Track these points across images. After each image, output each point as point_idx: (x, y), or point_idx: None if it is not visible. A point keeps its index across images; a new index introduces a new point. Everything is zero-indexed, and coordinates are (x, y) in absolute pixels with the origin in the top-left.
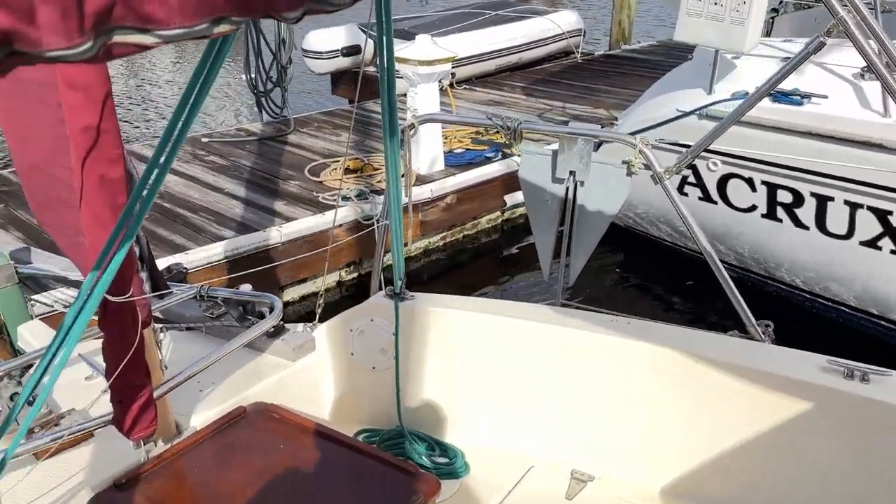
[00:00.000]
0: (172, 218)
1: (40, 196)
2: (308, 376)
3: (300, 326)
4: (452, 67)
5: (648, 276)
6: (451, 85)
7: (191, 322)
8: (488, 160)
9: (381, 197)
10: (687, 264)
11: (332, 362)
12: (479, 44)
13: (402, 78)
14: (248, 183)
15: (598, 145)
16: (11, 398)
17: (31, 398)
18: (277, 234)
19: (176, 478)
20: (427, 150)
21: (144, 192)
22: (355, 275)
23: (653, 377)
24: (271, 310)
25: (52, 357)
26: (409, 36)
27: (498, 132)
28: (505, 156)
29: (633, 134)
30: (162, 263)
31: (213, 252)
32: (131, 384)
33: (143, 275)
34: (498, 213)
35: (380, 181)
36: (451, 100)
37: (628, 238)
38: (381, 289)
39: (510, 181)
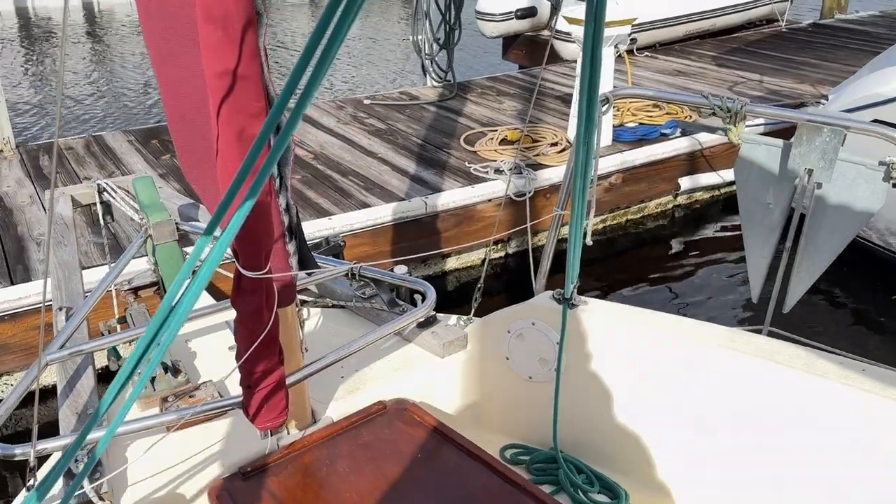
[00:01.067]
0: (322, 180)
1: (188, 148)
2: (457, 376)
3: (453, 319)
4: (634, 32)
5: (893, 314)
6: (629, 52)
7: (340, 299)
8: (664, 137)
9: (538, 172)
10: None
11: (484, 364)
12: (667, 6)
13: (572, 41)
14: (401, 149)
15: (843, 138)
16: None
17: (168, 365)
18: (422, 205)
19: (302, 473)
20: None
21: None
22: (503, 254)
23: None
24: (424, 298)
25: (158, 332)
26: None
27: (712, 113)
28: (684, 133)
29: (846, 113)
30: (310, 227)
31: (356, 219)
32: (262, 370)
33: (291, 247)
34: (669, 197)
35: (537, 154)
36: (628, 67)
37: (869, 260)
38: (547, 288)
39: (686, 162)
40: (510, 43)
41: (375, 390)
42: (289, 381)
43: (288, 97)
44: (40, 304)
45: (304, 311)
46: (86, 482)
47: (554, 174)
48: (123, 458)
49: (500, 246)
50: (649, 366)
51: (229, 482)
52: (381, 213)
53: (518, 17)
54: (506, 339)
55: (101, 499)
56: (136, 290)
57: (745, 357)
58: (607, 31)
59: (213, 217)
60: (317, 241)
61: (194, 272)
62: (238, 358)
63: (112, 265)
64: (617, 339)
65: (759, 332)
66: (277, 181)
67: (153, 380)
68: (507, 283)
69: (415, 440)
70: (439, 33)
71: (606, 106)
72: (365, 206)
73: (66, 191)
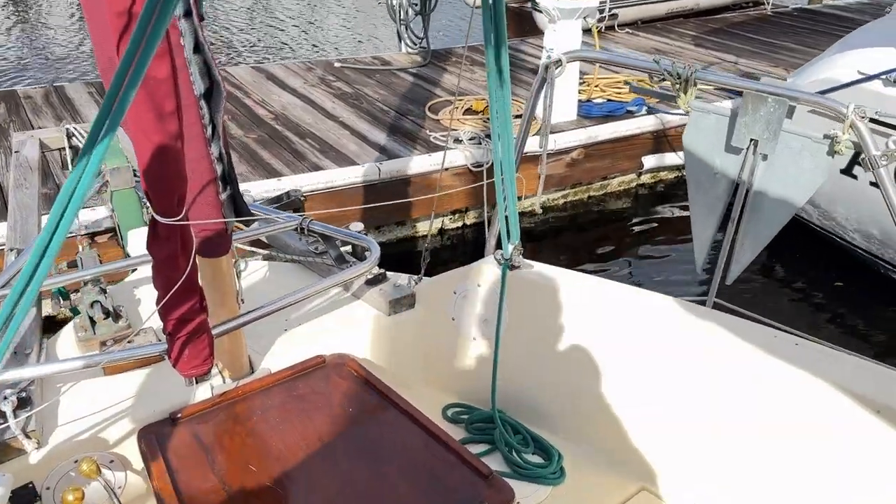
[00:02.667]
0: (278, 140)
1: None
2: (402, 334)
3: (403, 278)
4: (614, 7)
5: (831, 291)
6: (610, 27)
7: (293, 254)
8: (630, 114)
9: None
10: (889, 285)
11: (430, 324)
12: None
13: (540, 12)
14: (364, 114)
15: (790, 111)
16: (92, 305)
17: (109, 310)
18: (376, 170)
19: (232, 422)
20: (559, 95)
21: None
22: (459, 224)
23: (819, 416)
24: (367, 254)
25: (30, 279)
26: None
27: (662, 79)
28: (650, 111)
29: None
30: (258, 188)
31: (307, 182)
32: (181, 317)
33: (224, 196)
34: (633, 175)
35: None
36: (596, 41)
37: (809, 238)
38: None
39: (652, 141)
40: None
41: (317, 345)
42: (221, 329)
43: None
44: None
45: (242, 262)
46: (11, 418)
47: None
48: (56, 400)
49: (457, 216)
50: (590, 330)
51: (158, 426)
52: (333, 177)
53: None
54: (452, 300)
55: (27, 436)
56: (92, 236)
57: (680, 323)
58: (575, 2)
59: (83, 148)
60: (277, 194)
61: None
62: (157, 304)
63: None
64: (559, 302)
65: (703, 303)
66: (209, 129)
67: (93, 323)
68: (464, 254)
69: (351, 396)
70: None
71: (560, 69)
72: (318, 168)
73: (34, 134)
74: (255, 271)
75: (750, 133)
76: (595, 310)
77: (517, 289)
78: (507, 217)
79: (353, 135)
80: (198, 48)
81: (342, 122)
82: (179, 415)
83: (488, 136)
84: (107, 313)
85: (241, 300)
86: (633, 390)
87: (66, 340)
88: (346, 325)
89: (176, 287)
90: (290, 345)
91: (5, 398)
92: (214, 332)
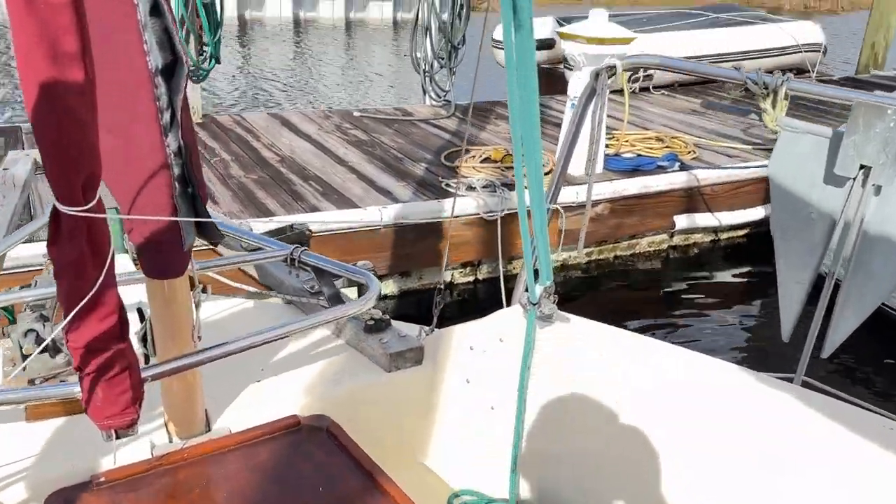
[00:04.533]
0: (279, 182)
1: None
2: (404, 397)
3: (410, 328)
4: (650, 69)
5: None
6: (644, 89)
7: (283, 291)
8: (661, 170)
9: (512, 193)
10: None
11: (438, 385)
12: (691, 46)
13: (571, 69)
14: (376, 160)
15: None
16: (26, 335)
17: (49, 344)
18: (378, 214)
19: (167, 493)
20: (584, 145)
21: None
22: (471, 278)
23: None
24: (363, 291)
25: None
26: None
27: (745, 89)
28: (683, 167)
29: None
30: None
31: (296, 223)
32: (93, 346)
33: (180, 202)
34: (664, 235)
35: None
36: (627, 101)
37: None
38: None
39: (684, 199)
40: None
41: (294, 401)
42: (163, 368)
43: None
44: None
45: (199, 289)
46: None
47: None
48: None
49: (468, 269)
50: (643, 404)
51: (71, 492)
52: (328, 219)
53: (537, 48)
54: (469, 358)
55: None
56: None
57: (768, 404)
58: (601, 49)
59: None
60: (281, 226)
61: None
62: (65, 329)
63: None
64: (603, 366)
65: (789, 380)
66: (167, 115)
67: (25, 357)
68: (476, 311)
69: (327, 472)
70: (441, 51)
71: (613, 77)
72: (315, 210)
73: (31, 153)
74: (233, 309)
75: (860, 157)
76: (650, 378)
77: (548, 345)
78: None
79: (360, 179)
80: (157, 10)
81: (351, 167)
82: (102, 478)
83: (504, 184)
84: (45, 348)
85: (198, 336)
86: (697, 479)
87: None
88: (333, 380)
89: (82, 304)
90: (259, 399)
91: None
92: (155, 371)
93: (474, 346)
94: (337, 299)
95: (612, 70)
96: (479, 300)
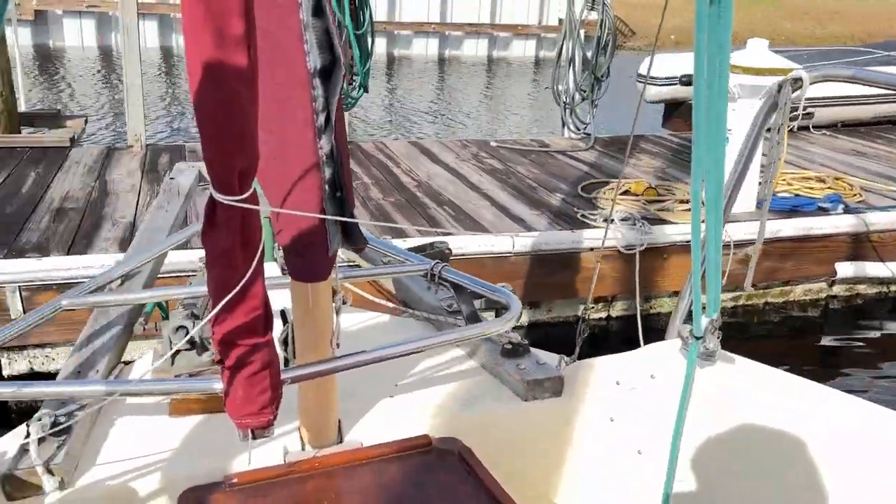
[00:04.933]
0: (414, 205)
1: None
2: (539, 428)
3: (551, 357)
4: (811, 106)
5: None
6: (803, 128)
7: (419, 308)
8: (822, 212)
9: (657, 227)
10: None
11: (578, 420)
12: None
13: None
14: (510, 188)
15: None
16: (176, 331)
17: (197, 340)
18: (509, 242)
19: (296, 501)
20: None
21: None
22: (603, 314)
23: None
24: (502, 313)
25: None
26: None
27: None
28: (848, 210)
29: None
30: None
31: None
32: (237, 341)
33: (328, 204)
34: (822, 283)
35: (661, 209)
36: (785, 142)
37: None
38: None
39: (849, 244)
40: (672, 110)
41: (425, 420)
42: (302, 372)
43: None
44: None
45: (340, 297)
46: (34, 445)
47: (676, 232)
48: (102, 435)
49: (601, 305)
50: (818, 455)
51: (205, 491)
52: (461, 243)
53: (683, 83)
54: (613, 393)
55: (49, 471)
56: None
57: None
58: (759, 80)
59: None
60: (422, 244)
61: None
62: (212, 320)
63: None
64: (773, 412)
65: None
66: (322, 118)
67: (176, 353)
68: (607, 349)
69: (456, 498)
70: (584, 83)
71: (799, 91)
72: (448, 234)
73: (196, 165)
74: (369, 322)
75: None
76: (824, 427)
77: (710, 385)
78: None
79: (493, 205)
80: (319, 11)
81: (485, 194)
82: (235, 480)
83: (645, 218)
84: (192, 343)
85: (337, 344)
86: None
87: (143, 367)
88: (466, 402)
89: (231, 295)
90: (391, 415)
91: (39, 419)
92: (293, 374)
93: (621, 381)
94: (475, 319)
95: (797, 83)
96: (611, 338)
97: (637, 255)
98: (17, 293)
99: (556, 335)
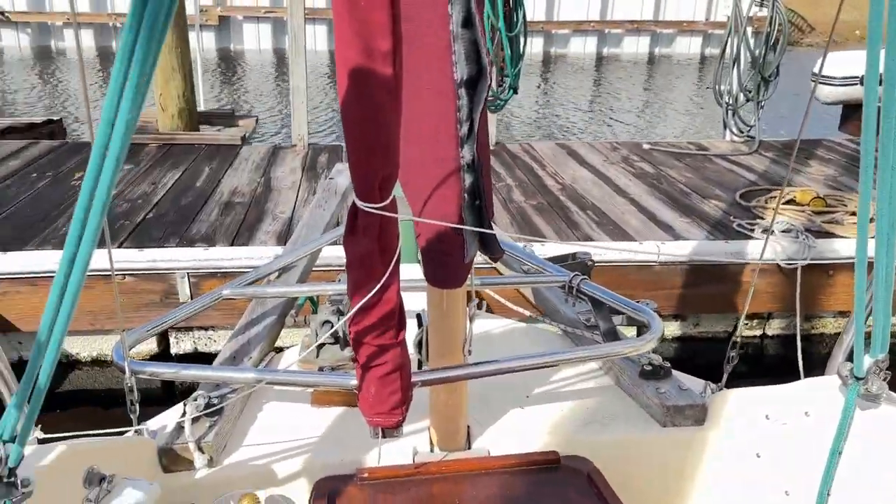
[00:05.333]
0: (556, 209)
1: None
2: (677, 458)
3: (696, 382)
4: None
5: None
6: None
7: (557, 319)
8: None
9: (823, 241)
10: None
11: (720, 454)
12: None
13: None
14: (660, 193)
15: None
16: (322, 325)
17: (339, 336)
18: (654, 249)
19: (421, 502)
20: None
21: None
22: (758, 332)
23: None
24: (643, 331)
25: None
26: None
27: None
28: None
29: None
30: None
31: (565, 251)
32: (371, 341)
33: (468, 213)
34: None
35: (829, 221)
36: None
37: None
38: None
39: None
40: (852, 113)
41: (555, 436)
42: (434, 376)
43: None
44: (248, 268)
45: (476, 303)
46: (188, 424)
47: (845, 247)
48: (250, 418)
49: (756, 322)
50: None
51: (338, 481)
52: (600, 250)
53: (863, 84)
54: (761, 428)
55: (199, 448)
56: None
57: None
58: None
59: None
60: (563, 254)
61: None
62: (349, 320)
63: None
64: None
65: None
66: (465, 127)
67: (321, 346)
68: (761, 372)
69: None
70: (749, 84)
71: None
72: (588, 239)
73: None
74: (504, 329)
75: None
76: None
77: (869, 432)
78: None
79: (639, 211)
80: (469, 23)
81: (631, 199)
82: (366, 474)
83: (809, 230)
84: (336, 338)
85: (469, 350)
86: None
87: (292, 357)
88: (600, 422)
89: (367, 298)
90: (521, 427)
91: (195, 400)
92: (425, 377)
93: (771, 416)
94: (612, 335)
95: None
96: (766, 359)
97: (798, 271)
98: (186, 279)
99: (702, 351)
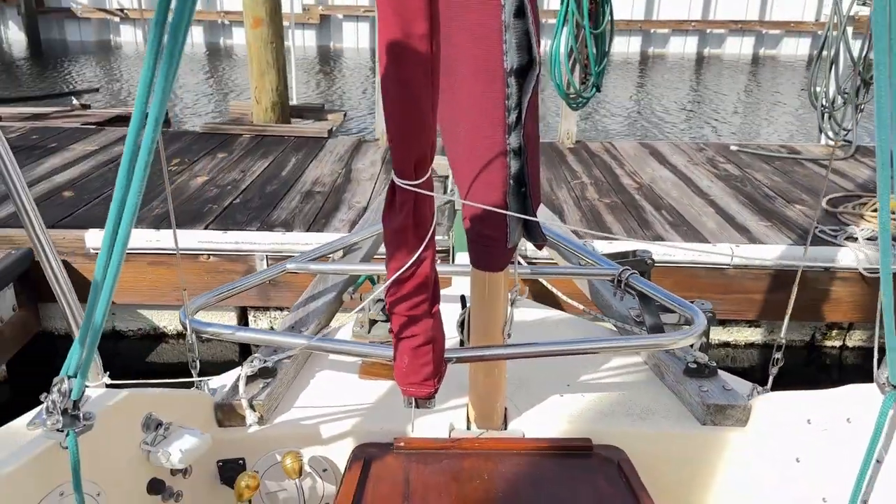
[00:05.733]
0: (630, 208)
1: None
2: (716, 456)
3: (740, 384)
4: None
5: None
6: None
7: (608, 314)
8: None
9: None
10: None
11: (760, 455)
12: None
13: None
14: (742, 196)
15: None
16: (376, 302)
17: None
18: (728, 251)
19: (452, 476)
20: None
21: None
22: (837, 343)
23: None
24: (687, 323)
25: None
26: None
27: None
28: None
29: None
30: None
31: (629, 249)
32: (406, 313)
33: (512, 199)
34: None
35: None
36: None
37: None
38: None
39: None
40: None
41: (593, 425)
42: (468, 354)
43: None
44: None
45: (518, 289)
46: (242, 382)
47: None
48: (302, 384)
49: (835, 332)
50: None
51: (376, 448)
52: (671, 251)
53: None
54: (802, 432)
55: (251, 407)
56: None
57: None
58: None
59: None
60: (624, 250)
61: None
62: (385, 292)
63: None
64: None
65: None
66: (514, 115)
67: (373, 323)
68: (838, 381)
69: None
70: (847, 86)
71: None
72: (658, 239)
73: None
74: (554, 317)
75: None
76: None
77: None
78: None
79: (717, 213)
80: (521, 13)
81: (711, 200)
82: (402, 444)
83: None
84: (387, 315)
85: (508, 333)
86: None
87: (346, 332)
88: (638, 415)
89: (402, 270)
90: (557, 412)
91: (251, 362)
92: (459, 354)
93: (812, 420)
94: (658, 331)
95: None
96: (844, 368)
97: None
98: (265, 260)
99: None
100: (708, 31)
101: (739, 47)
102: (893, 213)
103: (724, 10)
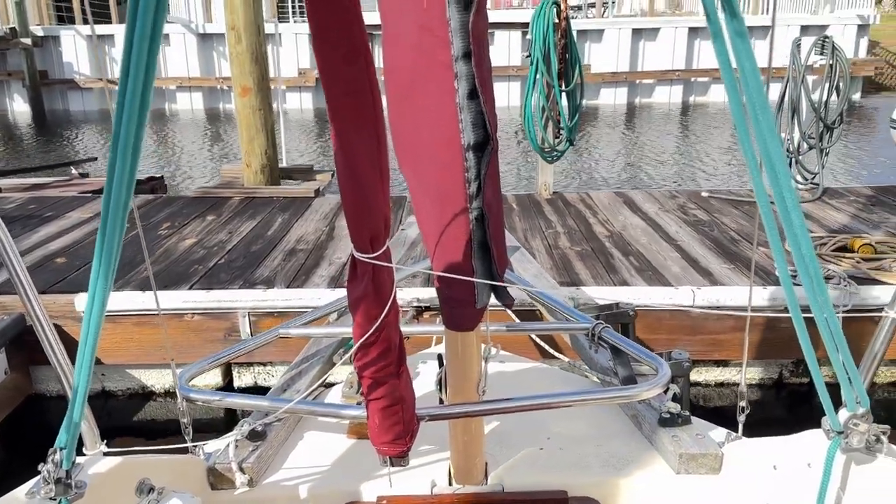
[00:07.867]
0: (598, 255)
1: None
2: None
3: (717, 431)
4: None
5: None
6: None
7: (589, 367)
8: None
9: (866, 287)
10: None
11: (731, 501)
12: None
13: None
14: (709, 240)
15: None
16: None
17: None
18: (689, 294)
19: None
20: None
21: None
22: (804, 379)
23: None
24: (652, 378)
25: None
26: None
27: None
28: None
29: None
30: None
31: (601, 296)
32: (373, 376)
33: (478, 264)
34: None
35: (876, 268)
36: None
37: None
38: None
39: None
40: None
41: (570, 476)
42: (439, 412)
43: None
44: (307, 308)
45: (494, 349)
46: (232, 447)
47: (886, 294)
48: (290, 446)
49: (801, 369)
50: None
51: None
52: (635, 295)
53: None
54: (770, 478)
55: (241, 469)
56: (419, 311)
57: None
58: None
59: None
60: (607, 302)
61: None
62: (353, 355)
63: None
64: None
65: None
66: (473, 186)
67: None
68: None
69: None
70: (811, 130)
71: None
72: (623, 284)
73: None
74: (529, 369)
75: None
76: None
77: (864, 483)
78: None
79: (682, 258)
80: (473, 94)
81: (678, 246)
82: (385, 502)
83: (853, 277)
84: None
85: (483, 390)
86: None
87: (337, 392)
88: (613, 465)
89: (364, 337)
90: (535, 465)
91: (241, 426)
92: (432, 412)
93: (778, 466)
94: (632, 382)
95: None
96: (816, 406)
97: (840, 320)
98: (247, 318)
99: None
100: (692, 79)
101: (724, 95)
102: (852, 250)
103: (706, 60)
